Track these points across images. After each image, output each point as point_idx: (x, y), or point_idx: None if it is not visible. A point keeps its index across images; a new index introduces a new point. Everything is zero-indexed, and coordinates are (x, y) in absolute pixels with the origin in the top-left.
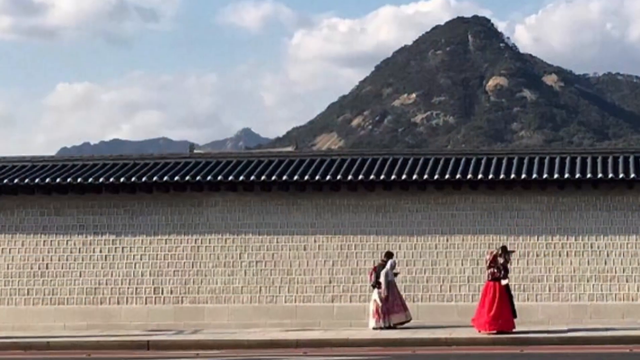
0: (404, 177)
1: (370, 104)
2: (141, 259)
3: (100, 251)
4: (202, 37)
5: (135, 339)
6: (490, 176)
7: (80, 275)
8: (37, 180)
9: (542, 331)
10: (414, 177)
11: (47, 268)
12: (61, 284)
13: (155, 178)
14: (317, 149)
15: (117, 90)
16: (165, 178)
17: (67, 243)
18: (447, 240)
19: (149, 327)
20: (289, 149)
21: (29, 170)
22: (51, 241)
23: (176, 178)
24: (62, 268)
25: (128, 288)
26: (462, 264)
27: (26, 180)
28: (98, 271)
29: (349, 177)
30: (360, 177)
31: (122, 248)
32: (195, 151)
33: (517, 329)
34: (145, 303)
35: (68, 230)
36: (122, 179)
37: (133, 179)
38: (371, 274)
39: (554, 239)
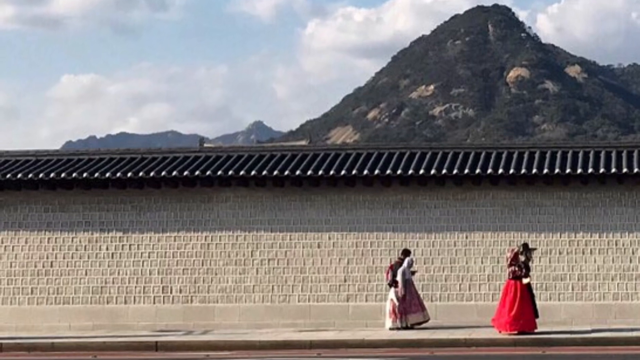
0: (421, 172)
1: (386, 96)
2: (149, 257)
3: (107, 249)
4: (213, 26)
5: (143, 340)
6: (511, 171)
7: (86, 274)
8: (41, 175)
9: (565, 331)
10: (432, 172)
11: (51, 266)
12: (66, 283)
13: (163, 173)
14: (332, 143)
15: (125, 82)
16: (174, 173)
17: (72, 240)
18: (467, 237)
19: (157, 328)
20: (303, 142)
21: (33, 165)
22: (56, 238)
23: (185, 173)
24: (67, 266)
25: (135, 287)
26: (482, 262)
27: (30, 175)
28: (104, 269)
29: (365, 172)
30: (377, 172)
31: (130, 245)
32: (205, 145)
33: (539, 329)
34: (154, 302)
35: (73, 227)
36: (129, 174)
37: (141, 174)
38: (388, 273)
39: (577, 236)
